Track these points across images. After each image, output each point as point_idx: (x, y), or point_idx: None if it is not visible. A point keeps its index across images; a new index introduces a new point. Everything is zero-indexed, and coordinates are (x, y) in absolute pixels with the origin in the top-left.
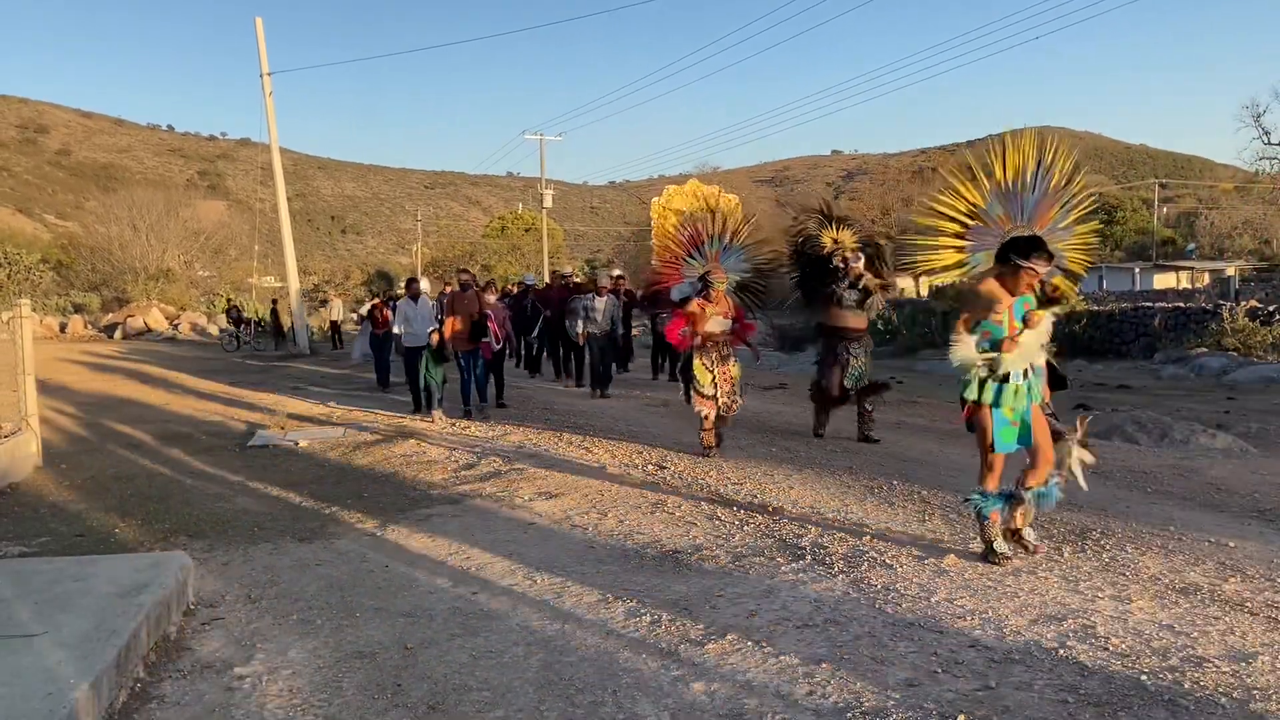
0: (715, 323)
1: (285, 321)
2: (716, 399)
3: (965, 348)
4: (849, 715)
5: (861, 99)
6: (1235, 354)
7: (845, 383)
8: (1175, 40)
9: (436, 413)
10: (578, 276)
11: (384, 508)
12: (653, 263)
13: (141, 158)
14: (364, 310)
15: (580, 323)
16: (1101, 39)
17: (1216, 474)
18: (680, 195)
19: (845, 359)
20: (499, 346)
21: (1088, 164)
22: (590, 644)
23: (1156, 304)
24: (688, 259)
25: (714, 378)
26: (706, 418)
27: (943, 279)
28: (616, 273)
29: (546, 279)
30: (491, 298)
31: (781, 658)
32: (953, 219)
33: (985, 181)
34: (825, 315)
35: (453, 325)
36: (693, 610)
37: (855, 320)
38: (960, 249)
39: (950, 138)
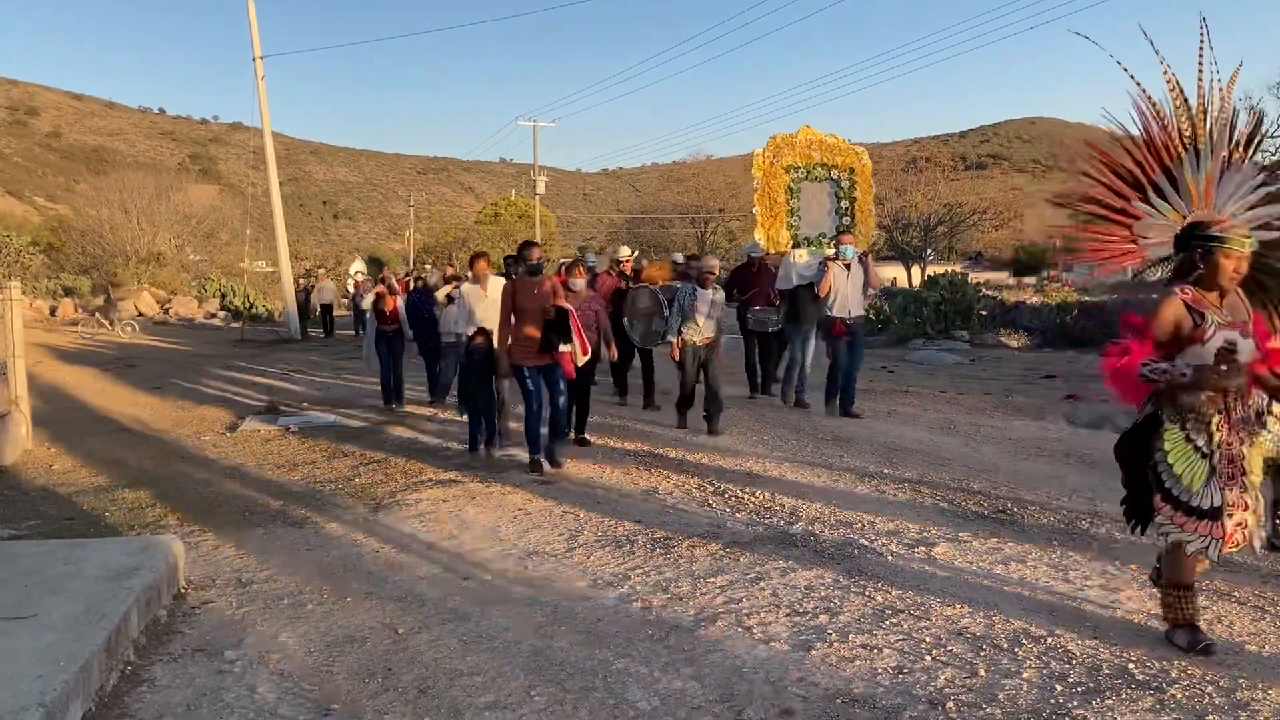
0: (1222, 341)
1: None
2: (1225, 522)
3: None
4: (838, 702)
5: (854, 88)
6: None
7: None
8: (1168, 31)
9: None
10: (630, 262)
11: (375, 493)
12: (1060, 220)
13: (133, 141)
14: (367, 301)
15: (675, 326)
16: (1095, 28)
17: None
18: (791, 149)
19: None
20: (585, 360)
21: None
22: (581, 630)
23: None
24: (1141, 204)
25: (1220, 476)
26: (1202, 561)
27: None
28: (714, 261)
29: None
30: (581, 282)
31: (771, 644)
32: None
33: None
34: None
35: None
36: (683, 597)
37: None
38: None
39: (943, 128)
